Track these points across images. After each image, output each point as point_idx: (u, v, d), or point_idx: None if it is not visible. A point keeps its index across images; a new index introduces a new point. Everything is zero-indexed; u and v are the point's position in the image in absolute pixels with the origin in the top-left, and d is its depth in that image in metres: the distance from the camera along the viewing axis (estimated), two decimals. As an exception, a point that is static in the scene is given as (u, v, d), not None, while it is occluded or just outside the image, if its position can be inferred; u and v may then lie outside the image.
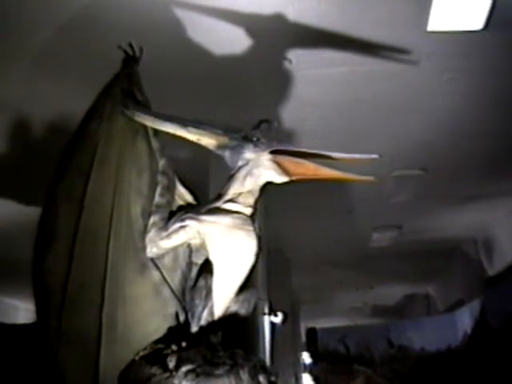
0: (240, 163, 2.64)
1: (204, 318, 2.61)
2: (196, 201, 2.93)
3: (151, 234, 2.61)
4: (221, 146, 2.70)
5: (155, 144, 2.79)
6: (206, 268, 2.67)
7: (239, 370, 2.36)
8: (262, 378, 2.42)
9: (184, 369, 2.32)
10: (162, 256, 2.63)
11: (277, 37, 4.64)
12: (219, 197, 2.68)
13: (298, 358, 13.30)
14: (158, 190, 2.71)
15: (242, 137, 2.67)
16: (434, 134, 6.41)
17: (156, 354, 2.45)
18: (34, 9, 4.17)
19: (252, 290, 2.79)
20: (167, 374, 2.33)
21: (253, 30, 4.53)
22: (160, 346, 2.49)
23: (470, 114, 6.06)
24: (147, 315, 2.57)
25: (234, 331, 2.71)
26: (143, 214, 2.64)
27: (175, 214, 2.73)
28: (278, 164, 2.59)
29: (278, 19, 4.39)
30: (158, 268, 2.61)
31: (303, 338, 15.43)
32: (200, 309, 2.61)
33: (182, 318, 2.62)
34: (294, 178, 2.61)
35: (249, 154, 2.62)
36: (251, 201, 2.67)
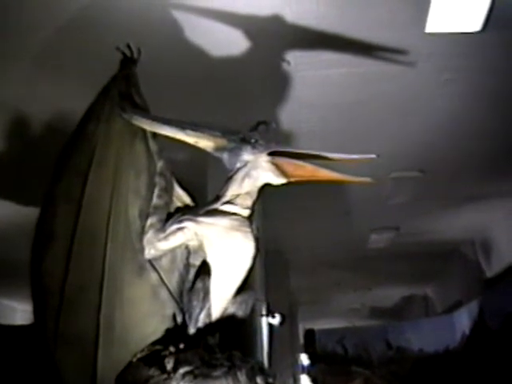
0: (238, 165, 2.64)
1: (202, 320, 2.60)
2: (194, 202, 2.93)
3: (149, 235, 2.61)
4: (219, 148, 2.70)
5: (153, 146, 2.79)
6: (204, 269, 2.67)
7: (237, 372, 2.36)
8: (259, 380, 2.42)
9: (182, 370, 2.32)
10: (159, 257, 2.63)
11: (275, 38, 4.63)
12: (217, 198, 2.68)
13: (295, 360, 13.29)
14: (156, 191, 2.71)
15: (239, 139, 2.67)
16: (433, 136, 6.41)
17: (154, 355, 2.44)
18: (34, 9, 4.17)
19: (250, 291, 2.79)
20: (165, 376, 2.33)
21: (251, 32, 4.53)
22: (158, 347, 2.49)
23: (468, 115, 6.06)
24: (145, 317, 2.57)
25: (232, 333, 2.70)
26: (141, 216, 2.64)
27: (173, 215, 2.73)
28: (276, 166, 2.59)
29: (276, 21, 4.39)
30: (155, 269, 2.61)
31: (301, 340, 15.43)
32: (198, 310, 2.61)
33: (179, 319, 2.62)
34: (292, 179, 2.61)
35: (247, 155, 2.62)
36: (249, 202, 2.67)
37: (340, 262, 11.62)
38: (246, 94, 5.36)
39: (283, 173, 2.58)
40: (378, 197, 7.90)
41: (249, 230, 2.63)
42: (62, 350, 2.51)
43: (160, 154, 2.80)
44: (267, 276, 7.10)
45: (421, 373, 12.39)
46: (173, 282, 2.65)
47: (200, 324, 2.61)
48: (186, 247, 2.70)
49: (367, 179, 2.58)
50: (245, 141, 2.65)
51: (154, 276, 2.60)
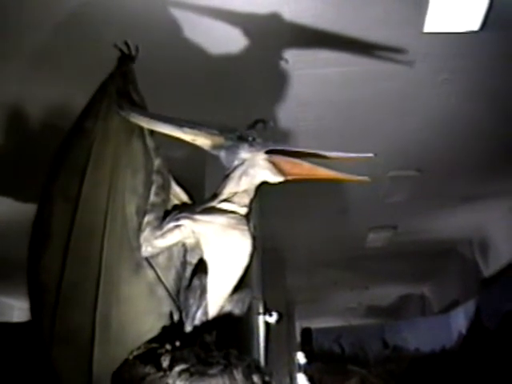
0: (235, 163, 2.65)
1: (198, 318, 2.60)
2: (191, 200, 2.93)
3: (146, 233, 2.61)
4: (216, 146, 2.70)
5: (150, 143, 2.79)
6: (201, 267, 2.67)
7: (233, 370, 2.36)
8: (256, 378, 2.42)
9: (178, 368, 2.32)
10: (156, 255, 2.63)
11: (273, 37, 4.63)
12: (214, 196, 2.69)
13: (292, 358, 13.28)
14: (153, 189, 2.71)
15: (237, 137, 2.67)
16: (430, 135, 6.41)
17: (150, 353, 2.44)
18: (32, 7, 4.17)
19: (246, 289, 2.79)
20: (161, 374, 2.33)
21: (248, 30, 4.53)
22: (154, 345, 2.49)
23: (465, 115, 6.06)
24: (141, 314, 2.57)
25: (228, 331, 2.71)
26: (138, 213, 2.64)
27: (170, 213, 2.73)
28: (274, 164, 2.60)
29: (274, 19, 4.39)
30: (152, 267, 2.61)
31: (298, 338, 15.43)
32: (194, 308, 2.61)
33: (176, 317, 2.62)
34: (289, 177, 2.62)
35: (244, 153, 2.63)
36: (246, 200, 2.67)
37: (337, 260, 11.62)
38: (243, 91, 5.36)
39: (280, 171, 2.59)
40: (375, 196, 7.91)
41: (246, 228, 2.63)
42: (59, 348, 2.51)
43: (157, 152, 2.80)
44: (264, 274, 7.10)
45: (417, 372, 12.42)
46: (169, 279, 2.66)
47: (197, 322, 2.61)
48: (183, 245, 2.70)
49: (364, 178, 2.58)
50: (242, 139, 2.65)
51: (150, 274, 2.60)
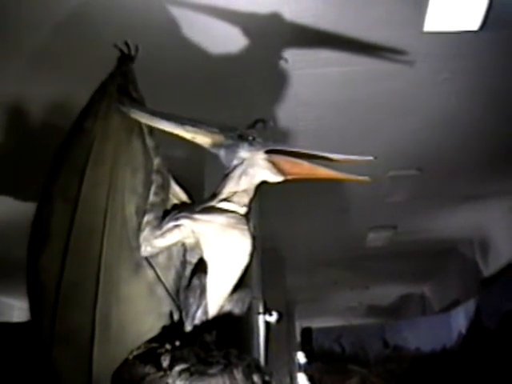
0: (235, 162, 2.65)
1: (198, 317, 2.60)
2: (191, 200, 2.93)
3: (145, 232, 2.61)
4: (216, 145, 2.70)
5: (150, 143, 2.79)
6: (201, 267, 2.67)
7: (233, 370, 2.36)
8: (256, 378, 2.41)
9: (178, 368, 2.32)
10: (156, 255, 2.63)
11: (273, 36, 4.63)
12: (214, 196, 2.68)
13: (292, 358, 13.29)
14: (153, 188, 2.71)
15: (237, 135, 2.67)
16: (430, 134, 6.41)
17: (150, 353, 2.44)
18: (32, 7, 4.16)
19: (246, 289, 2.79)
20: (161, 373, 2.33)
21: (249, 30, 4.52)
22: (154, 345, 2.49)
23: (465, 115, 6.06)
24: (141, 314, 2.57)
25: (228, 330, 2.71)
26: (138, 213, 2.64)
27: (170, 212, 2.73)
28: (273, 163, 2.60)
29: (274, 19, 4.39)
30: (152, 267, 2.61)
31: (298, 338, 15.44)
32: (194, 308, 2.61)
33: (176, 317, 2.62)
34: (289, 177, 2.62)
35: (244, 153, 2.63)
36: (246, 200, 2.67)
37: (337, 260, 11.62)
38: (243, 91, 5.36)
39: (280, 170, 2.59)
40: (375, 195, 7.91)
41: (245, 227, 2.63)
42: (59, 348, 2.51)
43: (157, 151, 2.79)
44: (264, 274, 7.11)
45: (418, 371, 12.43)
46: (169, 279, 2.66)
47: (196, 321, 2.61)
48: (183, 244, 2.70)
49: (365, 177, 2.58)
50: (242, 138, 2.65)
51: (150, 273, 2.60)
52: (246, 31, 4.53)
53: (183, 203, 2.88)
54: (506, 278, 9.66)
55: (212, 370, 2.32)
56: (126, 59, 2.99)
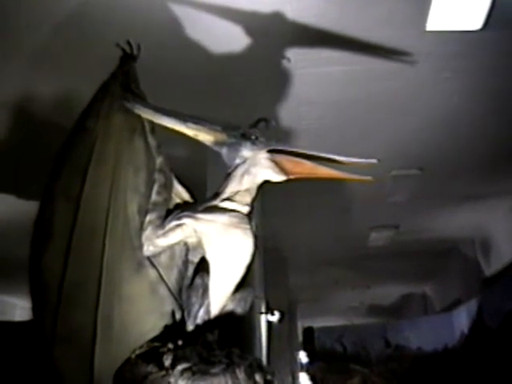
0: (237, 161, 2.65)
1: (200, 317, 2.60)
2: (193, 199, 2.93)
3: (148, 232, 2.61)
4: (218, 143, 2.71)
5: (152, 142, 2.79)
6: (203, 266, 2.67)
7: (235, 369, 2.36)
8: (258, 377, 2.42)
9: (180, 367, 2.32)
10: (158, 254, 2.63)
11: (275, 35, 4.62)
12: (216, 195, 2.69)
13: (294, 357, 13.29)
14: (155, 187, 2.71)
15: (240, 134, 2.68)
16: (432, 134, 6.41)
17: (152, 352, 2.44)
18: (32, 6, 4.16)
19: (249, 288, 2.79)
20: (163, 373, 2.33)
21: (251, 29, 4.52)
22: (156, 344, 2.49)
23: (467, 114, 6.06)
24: (143, 313, 2.57)
25: (231, 330, 2.71)
26: (140, 212, 2.64)
27: (172, 212, 2.73)
28: (276, 163, 2.60)
29: (276, 18, 4.38)
30: (154, 266, 2.61)
31: (300, 337, 15.44)
32: (196, 307, 2.61)
33: (178, 316, 2.62)
34: (291, 176, 2.62)
35: (246, 151, 2.63)
36: (248, 199, 2.68)
37: (339, 259, 11.63)
38: (245, 90, 5.36)
39: (282, 170, 2.59)
40: (377, 195, 7.90)
41: (248, 226, 2.64)
42: (60, 347, 2.51)
43: (159, 150, 2.80)
44: (266, 273, 7.10)
45: (419, 371, 12.43)
46: (171, 278, 2.66)
47: (199, 321, 2.61)
48: (185, 244, 2.70)
49: (367, 177, 2.58)
50: (245, 137, 2.66)
51: (152, 273, 2.60)
52: (248, 30, 4.53)
53: (185, 202, 2.89)
54: (507, 278, 9.67)
55: (214, 370, 2.33)
56: (128, 58, 2.99)
